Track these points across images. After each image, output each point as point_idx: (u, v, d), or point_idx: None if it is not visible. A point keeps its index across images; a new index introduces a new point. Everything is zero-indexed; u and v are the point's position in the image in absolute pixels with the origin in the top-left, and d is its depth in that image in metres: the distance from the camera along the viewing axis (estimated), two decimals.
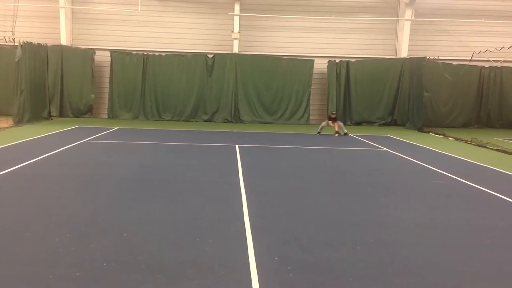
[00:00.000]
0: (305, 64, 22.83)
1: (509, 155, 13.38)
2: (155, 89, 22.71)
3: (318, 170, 10.37)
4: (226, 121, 22.61)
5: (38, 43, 19.42)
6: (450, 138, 17.62)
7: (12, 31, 21.62)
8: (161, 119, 22.62)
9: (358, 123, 22.87)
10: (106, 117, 22.68)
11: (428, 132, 19.66)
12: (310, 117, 23.07)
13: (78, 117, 22.15)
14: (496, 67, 23.12)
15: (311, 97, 23.08)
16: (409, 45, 23.18)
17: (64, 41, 22.43)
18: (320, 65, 22.90)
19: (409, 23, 22.95)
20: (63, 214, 6.11)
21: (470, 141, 16.31)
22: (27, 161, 9.72)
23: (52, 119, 20.36)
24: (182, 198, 7.25)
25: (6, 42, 21.61)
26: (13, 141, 12.72)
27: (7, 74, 19.83)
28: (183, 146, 13.54)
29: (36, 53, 19.10)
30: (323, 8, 23.19)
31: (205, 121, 22.53)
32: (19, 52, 17.56)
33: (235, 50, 22.86)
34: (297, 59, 22.85)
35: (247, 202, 7.02)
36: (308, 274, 4.39)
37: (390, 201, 7.56)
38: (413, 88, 21.97)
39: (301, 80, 22.87)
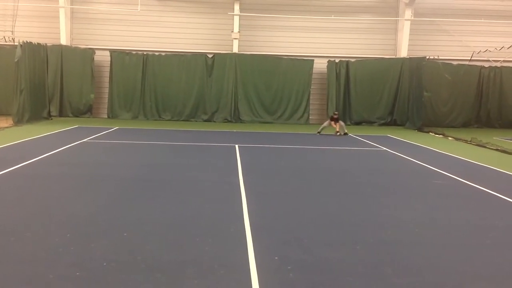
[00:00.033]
0: (305, 64, 22.83)
1: (509, 155, 13.39)
2: (155, 89, 22.71)
3: (318, 170, 10.37)
4: (226, 121, 22.61)
5: (37, 43, 19.41)
6: (450, 138, 17.62)
7: (12, 31, 21.61)
8: (161, 119, 22.62)
9: (358, 123, 22.87)
10: (106, 117, 22.68)
11: (427, 132, 19.67)
12: (310, 117, 23.08)
13: (77, 117, 22.14)
14: (496, 67, 23.13)
15: (310, 97, 23.08)
16: (409, 45, 23.19)
17: (63, 41, 22.43)
18: (320, 65, 22.91)
19: (408, 23, 22.96)
20: (63, 214, 6.11)
21: (470, 141, 16.32)
22: (27, 161, 9.72)
23: (51, 119, 20.35)
24: (182, 198, 7.24)
25: (5, 42, 21.60)
26: (13, 141, 12.72)
27: (7, 74, 19.81)
28: (183, 146, 13.54)
29: (35, 53, 19.09)
30: (323, 8, 23.19)
31: (205, 121, 22.54)
32: (18, 52, 17.55)
33: (235, 50, 22.87)
34: (297, 59, 22.85)
35: (247, 202, 7.01)
36: (308, 274, 4.39)
37: (390, 201, 7.56)
38: (412, 88, 21.98)
39: (300, 80, 22.87)
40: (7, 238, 5.10)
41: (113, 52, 22.41)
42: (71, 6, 22.83)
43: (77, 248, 4.83)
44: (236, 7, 22.63)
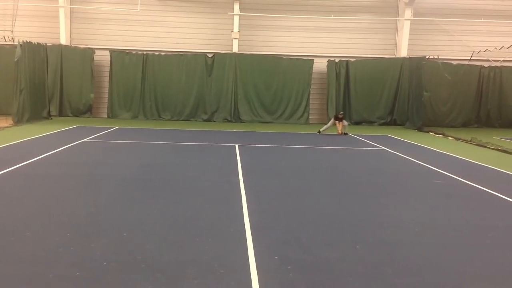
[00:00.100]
0: (305, 63, 22.83)
1: (508, 155, 13.39)
2: (155, 89, 22.71)
3: (318, 170, 10.37)
4: (226, 120, 22.61)
5: (37, 43, 19.40)
6: (450, 138, 17.62)
7: (12, 31, 21.59)
8: (161, 118, 22.62)
9: (358, 123, 22.86)
10: (106, 116, 22.67)
11: (427, 132, 19.67)
12: (310, 117, 23.08)
13: (77, 116, 22.14)
14: (495, 66, 23.13)
15: (310, 97, 23.08)
16: (408, 44, 23.18)
17: (63, 40, 22.43)
18: (320, 65, 22.91)
19: (408, 22, 22.96)
20: (63, 214, 6.10)
21: (470, 141, 16.32)
22: (26, 161, 9.72)
23: (51, 119, 20.34)
24: (182, 198, 7.24)
25: (5, 41, 21.58)
26: (13, 141, 12.72)
27: (7, 74, 19.78)
28: (183, 146, 13.53)
29: (35, 53, 19.08)
30: (323, 8, 23.18)
31: (205, 120, 22.54)
32: (18, 51, 17.55)
33: (235, 49, 22.86)
34: (296, 58, 22.85)
35: (247, 202, 7.01)
36: (308, 274, 4.39)
37: (390, 201, 7.56)
38: (412, 88, 21.98)
39: (300, 80, 22.87)
40: (7, 238, 5.10)
41: (113, 51, 22.40)
42: (71, 6, 22.82)
43: (77, 248, 4.83)
44: (236, 6, 22.62)
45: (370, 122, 23.07)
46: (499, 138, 17.92)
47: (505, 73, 22.89)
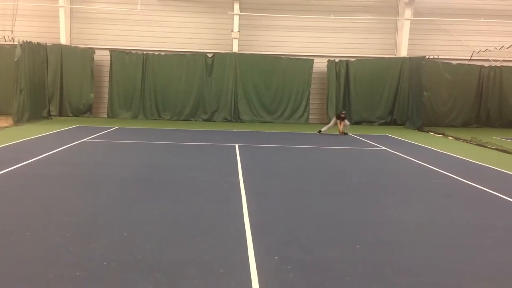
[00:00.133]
0: (305, 63, 22.83)
1: (508, 155, 13.39)
2: (155, 89, 22.71)
3: (318, 170, 10.37)
4: (226, 120, 22.61)
5: (37, 42, 19.40)
6: (450, 138, 17.62)
7: (12, 30, 21.56)
8: (161, 118, 22.62)
9: (358, 123, 22.83)
10: (106, 116, 22.68)
11: (427, 132, 19.67)
12: (310, 117, 23.08)
13: (77, 116, 22.14)
14: (495, 66, 23.13)
15: (310, 97, 23.08)
16: (408, 44, 23.19)
17: (63, 40, 22.43)
18: (320, 65, 22.91)
19: (408, 22, 22.96)
20: (63, 214, 6.10)
21: (470, 141, 16.32)
22: (26, 161, 9.72)
23: (51, 119, 20.34)
24: (182, 198, 7.24)
25: (5, 41, 21.57)
26: (13, 141, 12.72)
27: (7, 74, 19.78)
28: (183, 146, 13.53)
29: (35, 53, 19.08)
30: (323, 8, 23.18)
31: (205, 120, 22.54)
32: (18, 51, 17.54)
33: (235, 49, 22.86)
34: (296, 58, 22.85)
35: (247, 202, 7.01)
36: (308, 274, 4.39)
37: (390, 201, 7.56)
38: (412, 88, 21.98)
39: (300, 80, 22.87)
40: (7, 238, 5.10)
41: (113, 51, 22.41)
42: (71, 6, 22.82)
43: (77, 248, 4.83)
44: (236, 6, 22.62)
45: (370, 122, 23.07)
46: (499, 138, 17.92)
47: (505, 73, 22.89)
